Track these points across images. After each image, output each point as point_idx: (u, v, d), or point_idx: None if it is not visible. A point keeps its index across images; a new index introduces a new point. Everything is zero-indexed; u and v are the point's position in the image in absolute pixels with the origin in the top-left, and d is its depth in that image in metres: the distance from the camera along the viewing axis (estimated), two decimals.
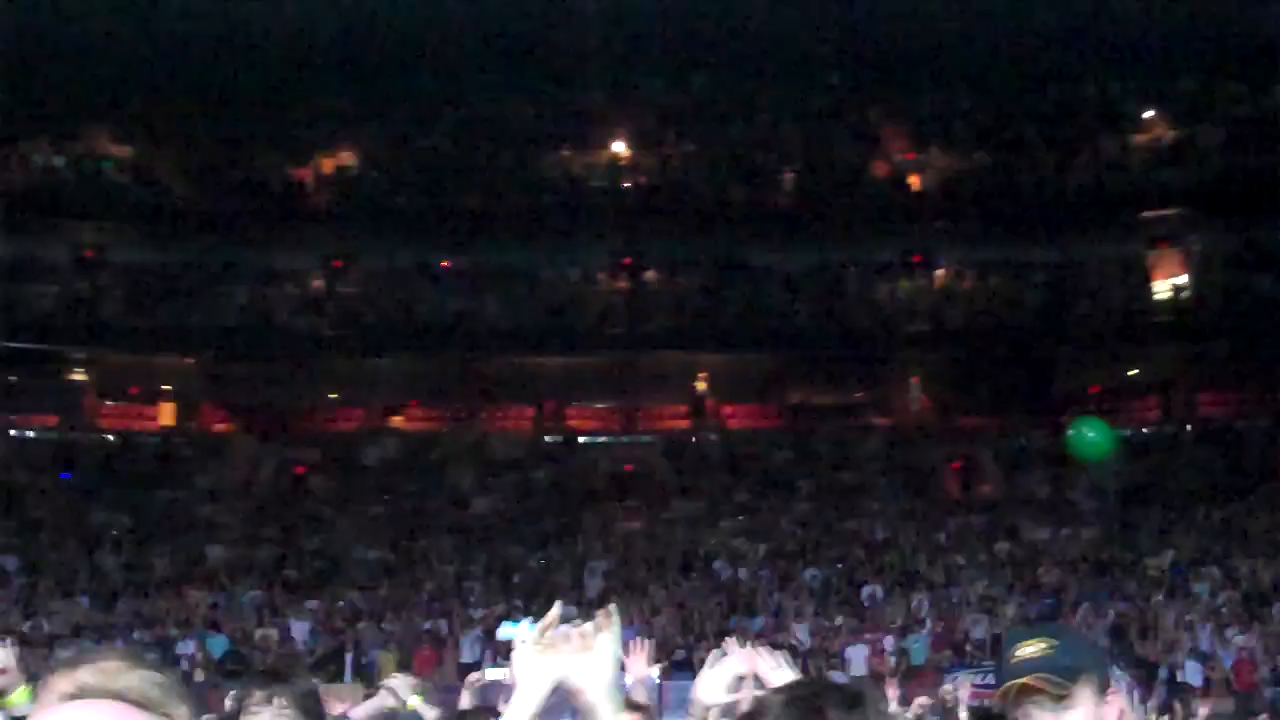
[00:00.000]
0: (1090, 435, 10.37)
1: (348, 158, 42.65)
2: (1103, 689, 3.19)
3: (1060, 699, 3.10)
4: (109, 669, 2.25)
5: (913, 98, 43.79)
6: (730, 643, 8.12)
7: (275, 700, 4.44)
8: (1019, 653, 3.18)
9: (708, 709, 6.30)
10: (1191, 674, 26.13)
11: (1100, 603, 28.78)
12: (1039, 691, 3.11)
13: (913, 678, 26.48)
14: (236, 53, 39.76)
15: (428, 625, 28.92)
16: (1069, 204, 39.74)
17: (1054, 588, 29.89)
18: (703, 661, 18.16)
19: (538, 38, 41.10)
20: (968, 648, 27.90)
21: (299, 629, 28.75)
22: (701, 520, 33.87)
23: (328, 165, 42.29)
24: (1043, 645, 3.17)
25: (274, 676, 4.72)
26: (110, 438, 38.08)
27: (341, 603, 29.78)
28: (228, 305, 39.82)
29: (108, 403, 40.15)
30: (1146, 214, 39.77)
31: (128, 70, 40.19)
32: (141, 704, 2.03)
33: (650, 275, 41.74)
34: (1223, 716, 22.47)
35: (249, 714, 4.46)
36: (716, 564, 31.50)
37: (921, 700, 14.94)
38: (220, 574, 31.17)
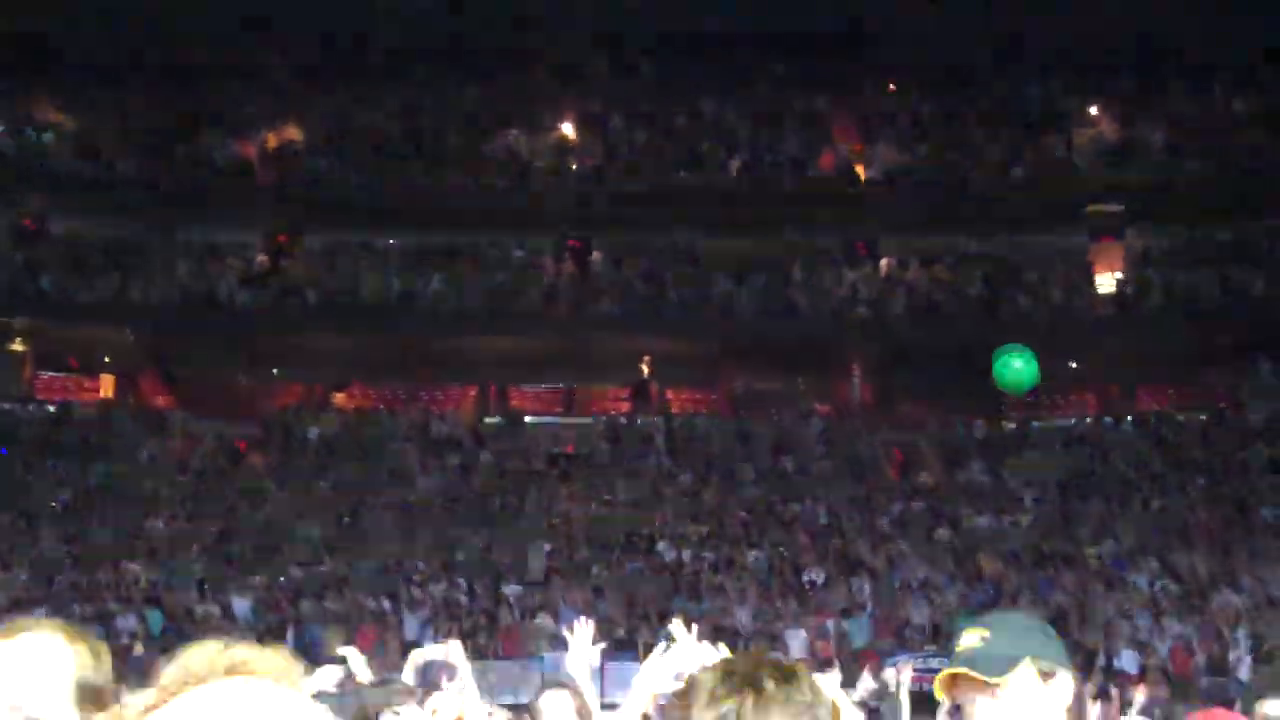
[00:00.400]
0: (1015, 363, 10.44)
1: (293, 134, 42.40)
2: (1047, 675, 3.25)
3: (989, 688, 3.16)
4: (244, 649, 2.26)
5: (859, 89, 44.02)
6: (676, 626, 8.21)
7: None
8: (959, 643, 3.25)
9: (652, 696, 6.41)
10: (1128, 662, 26.45)
11: (1040, 592, 29.08)
12: (970, 681, 3.17)
13: (854, 662, 26.72)
14: (182, 26, 39.47)
15: (370, 603, 28.84)
16: (1012, 198, 40.07)
17: (994, 576, 30.15)
18: (646, 643, 18.26)
19: (485, 19, 41.06)
20: (908, 633, 28.12)
21: (240, 605, 28.61)
22: (644, 503, 33.92)
23: (272, 141, 42.03)
24: (978, 636, 3.23)
25: None
26: (49, 409, 37.68)
27: (283, 579, 29.64)
28: (169, 279, 39.48)
29: (46, 374, 39.78)
30: (1088, 209, 40.17)
31: (71, 40, 39.83)
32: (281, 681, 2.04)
33: (595, 258, 41.74)
34: (1158, 703, 22.79)
35: None
36: (659, 546, 31.57)
37: (866, 684, 15.06)
38: (161, 549, 30.93)
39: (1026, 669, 3.23)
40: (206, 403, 38.40)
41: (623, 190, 40.33)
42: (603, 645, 8.44)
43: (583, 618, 7.98)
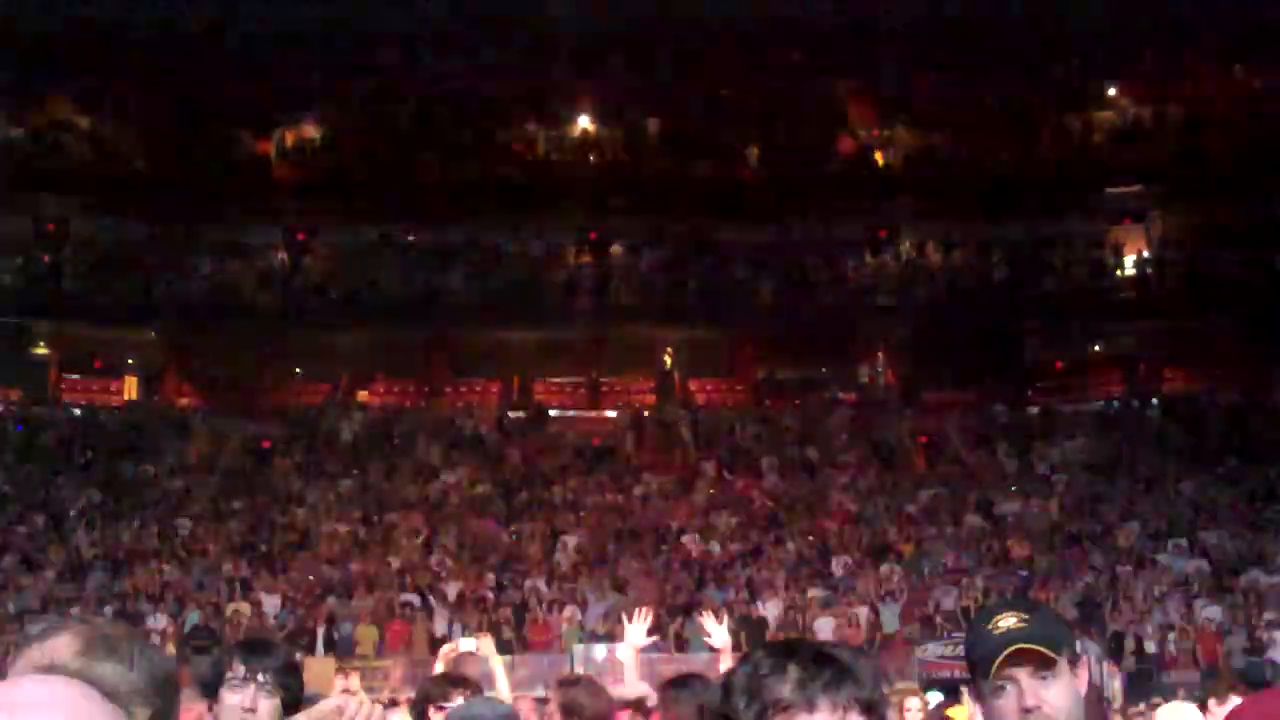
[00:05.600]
0: None
1: (311, 130, 42.39)
2: (1073, 660, 3.24)
3: (1049, 665, 3.15)
4: (86, 651, 2.20)
5: (876, 74, 43.82)
6: (706, 618, 8.27)
7: (259, 675, 4.34)
8: (1001, 624, 3.22)
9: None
10: (1159, 645, 26.43)
11: (1069, 575, 28.99)
12: (1030, 658, 3.15)
13: (884, 649, 26.73)
14: (200, 24, 39.42)
15: (399, 600, 28.85)
16: (1033, 180, 39.88)
17: (1023, 560, 30.06)
18: (676, 634, 18.31)
19: (503, 12, 40.95)
20: (937, 619, 28.05)
21: (269, 603, 28.64)
22: (671, 494, 33.89)
23: (291, 138, 42.01)
24: (1017, 617, 3.21)
25: (254, 649, 4.56)
26: (75, 412, 37.80)
27: (311, 577, 29.66)
28: (191, 278, 39.55)
29: (71, 377, 39.88)
30: (1110, 190, 39.98)
31: (89, 41, 39.80)
32: (110, 695, 1.96)
33: (615, 250, 41.71)
34: (1188, 684, 22.74)
35: (229, 687, 4.37)
36: (687, 538, 31.53)
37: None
38: (189, 549, 30.98)
39: (1066, 652, 3.21)
40: (231, 402, 38.46)
41: (641, 181, 40.24)
42: (656, 638, 8.54)
43: (642, 609, 8.06)
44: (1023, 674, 3.14)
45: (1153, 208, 40.44)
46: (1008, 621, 3.21)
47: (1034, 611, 3.27)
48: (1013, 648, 3.15)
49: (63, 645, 2.75)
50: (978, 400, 38.03)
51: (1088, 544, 30.81)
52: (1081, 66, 42.71)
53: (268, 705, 4.35)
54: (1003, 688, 3.16)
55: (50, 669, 1.86)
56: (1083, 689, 3.28)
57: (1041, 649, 3.14)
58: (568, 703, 6.48)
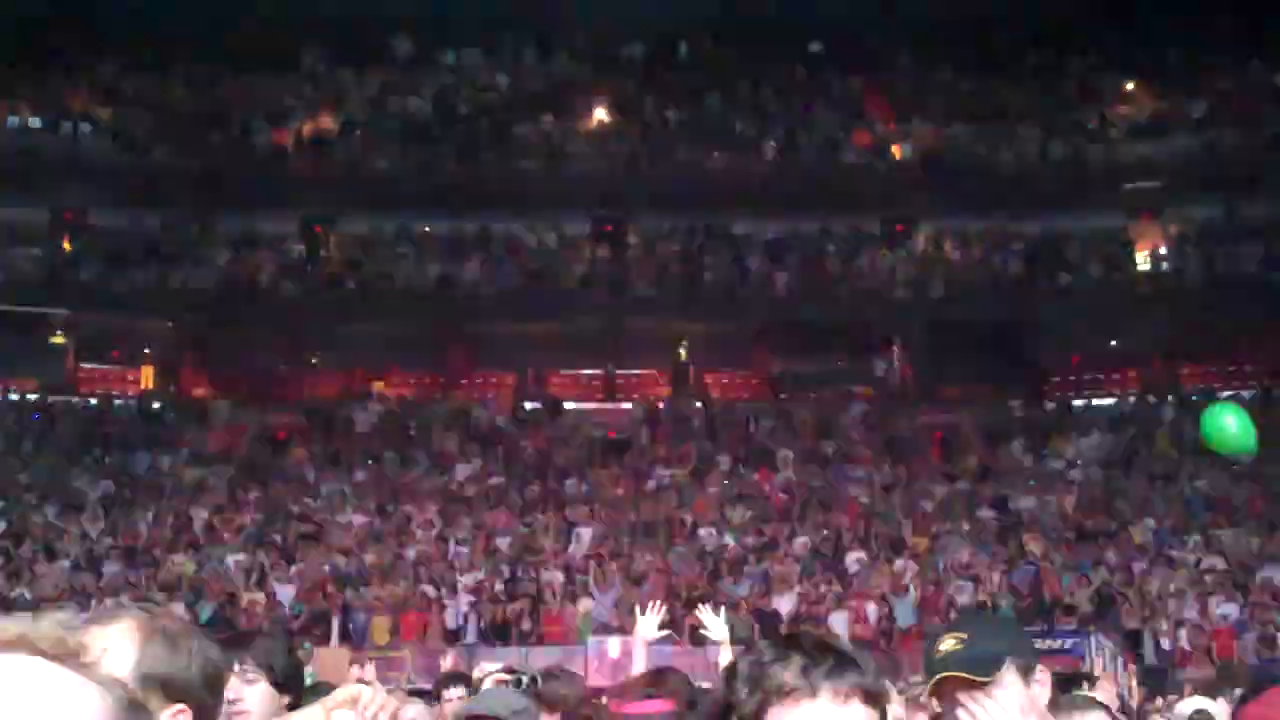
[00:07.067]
0: (1227, 422, 9.55)
1: (328, 122, 42.41)
2: (1027, 672, 3.27)
3: (977, 690, 3.18)
4: (146, 641, 2.18)
5: (894, 67, 43.79)
6: (705, 612, 8.32)
7: (235, 665, 4.27)
8: (941, 647, 3.26)
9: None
10: (1173, 642, 26.41)
11: (1084, 571, 28.94)
12: (962, 684, 3.19)
13: (898, 644, 26.73)
14: (217, 14, 39.51)
15: (414, 590, 28.89)
16: (1050, 175, 39.80)
17: (1037, 556, 30.01)
18: (691, 627, 18.35)
19: (520, 3, 41.02)
20: (952, 615, 28.02)
21: (284, 593, 28.70)
22: (686, 487, 33.89)
23: (308, 129, 42.03)
24: (955, 640, 3.24)
25: (235, 642, 4.54)
26: (91, 401, 37.95)
27: (326, 567, 29.69)
28: (208, 269, 39.63)
29: (88, 366, 39.97)
30: (1128, 186, 39.87)
31: (106, 30, 39.94)
32: (164, 685, 1.92)
33: (632, 242, 41.71)
34: (1204, 683, 22.71)
35: None
36: (701, 531, 31.54)
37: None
38: (204, 539, 31.05)
39: (1011, 667, 3.25)
40: (247, 392, 38.54)
41: (657, 173, 40.20)
42: (669, 631, 8.61)
43: (655, 602, 8.13)
44: (954, 702, 3.21)
45: (1170, 203, 40.31)
46: (946, 644, 3.26)
47: (977, 630, 3.36)
48: (939, 676, 3.21)
49: (121, 633, 2.78)
50: (993, 395, 37.98)
51: (1103, 540, 30.77)
52: (1100, 60, 42.67)
53: (254, 691, 4.36)
54: (940, 711, 3.25)
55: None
56: (1044, 693, 3.33)
57: (969, 675, 3.18)
58: (548, 695, 6.50)
